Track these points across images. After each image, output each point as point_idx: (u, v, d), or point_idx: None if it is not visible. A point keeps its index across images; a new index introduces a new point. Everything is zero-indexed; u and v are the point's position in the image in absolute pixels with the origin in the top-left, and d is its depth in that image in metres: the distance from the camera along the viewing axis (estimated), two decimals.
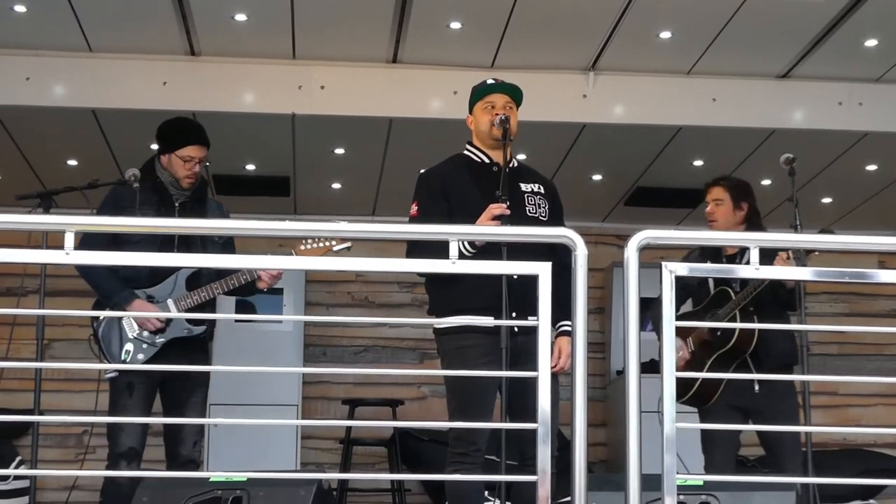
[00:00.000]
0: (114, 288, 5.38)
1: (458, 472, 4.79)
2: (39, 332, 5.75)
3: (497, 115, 5.02)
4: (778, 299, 5.66)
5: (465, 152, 5.21)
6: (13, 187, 6.57)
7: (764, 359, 5.70)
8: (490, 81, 5.16)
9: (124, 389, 5.33)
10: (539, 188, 5.14)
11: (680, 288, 5.97)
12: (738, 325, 5.76)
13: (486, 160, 5.12)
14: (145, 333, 5.38)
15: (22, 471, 8.54)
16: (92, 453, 9.39)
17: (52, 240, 5.08)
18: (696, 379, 5.78)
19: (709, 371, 5.78)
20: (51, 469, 9.26)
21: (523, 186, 5.08)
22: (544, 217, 5.07)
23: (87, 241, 5.15)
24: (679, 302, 6.01)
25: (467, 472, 4.76)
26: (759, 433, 5.86)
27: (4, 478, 8.45)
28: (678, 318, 5.96)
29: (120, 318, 5.39)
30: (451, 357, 4.99)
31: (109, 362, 5.38)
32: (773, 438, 5.69)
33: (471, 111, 5.21)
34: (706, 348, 5.87)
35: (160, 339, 5.38)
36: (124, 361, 5.31)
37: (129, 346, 5.38)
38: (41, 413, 6.10)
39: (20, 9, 6.89)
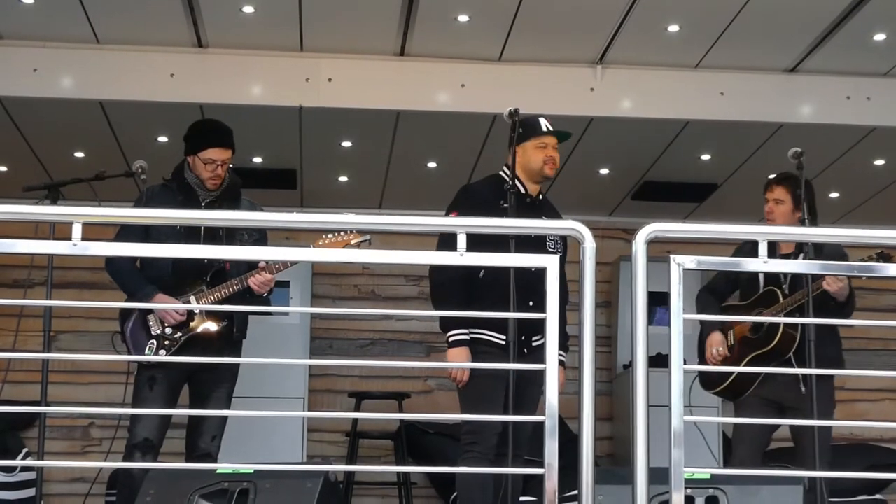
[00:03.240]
0: (137, 285, 5.49)
1: (467, 460, 4.92)
2: (46, 323, 5.77)
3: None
4: (826, 310, 5.62)
5: (505, 177, 5.36)
6: (20, 179, 6.58)
7: (808, 361, 5.67)
8: (544, 125, 5.38)
9: (145, 383, 5.46)
10: None
11: (731, 280, 6.05)
12: (749, 318, 5.78)
13: (522, 190, 5.36)
14: (168, 331, 5.45)
15: (28, 462, 8.56)
16: (97, 445, 9.45)
17: (59, 231, 5.10)
18: (732, 373, 5.83)
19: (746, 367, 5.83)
20: (57, 461, 9.26)
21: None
22: (560, 253, 5.26)
23: (121, 238, 5.27)
24: (727, 293, 6.06)
25: (475, 462, 4.88)
26: (792, 427, 5.86)
27: (11, 469, 8.46)
28: (724, 308, 6.02)
29: (144, 317, 5.45)
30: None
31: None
32: (805, 433, 5.68)
33: (518, 143, 5.36)
34: (747, 346, 5.91)
35: (179, 335, 5.45)
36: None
37: (152, 343, 5.45)
38: (47, 405, 6.10)
39: (28, 0, 6.88)
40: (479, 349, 5.18)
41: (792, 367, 5.69)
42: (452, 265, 4.88)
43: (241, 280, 5.48)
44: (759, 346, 5.83)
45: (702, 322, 6.09)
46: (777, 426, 5.99)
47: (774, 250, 5.82)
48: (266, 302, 5.71)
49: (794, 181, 5.87)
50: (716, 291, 6.18)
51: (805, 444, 5.69)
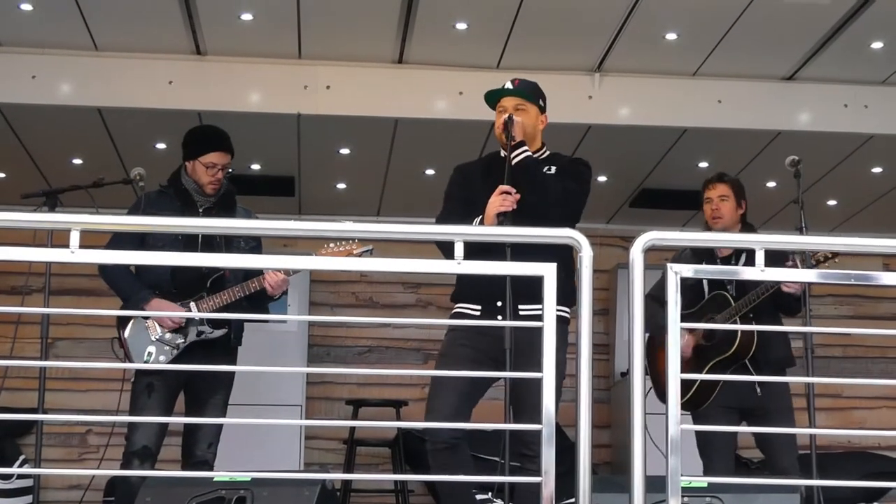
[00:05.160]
0: (133, 289, 5.44)
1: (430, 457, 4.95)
2: (44, 330, 5.75)
3: (503, 116, 5.03)
4: (781, 305, 5.62)
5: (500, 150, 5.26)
6: (18, 186, 6.57)
7: (763, 363, 5.67)
8: (507, 86, 5.18)
9: (143, 390, 5.40)
10: (550, 169, 5.14)
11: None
12: (742, 326, 5.73)
13: (502, 155, 5.15)
14: (167, 336, 5.42)
15: (25, 469, 8.55)
16: (95, 452, 9.44)
17: (57, 238, 5.10)
18: (693, 383, 5.72)
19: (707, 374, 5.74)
20: (54, 468, 9.25)
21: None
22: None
23: (116, 244, 5.23)
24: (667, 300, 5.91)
25: (434, 457, 4.87)
26: (755, 434, 5.83)
27: (8, 476, 8.46)
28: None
29: (144, 322, 5.43)
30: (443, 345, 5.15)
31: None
32: (767, 437, 5.67)
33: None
34: (704, 353, 5.80)
35: (180, 341, 5.43)
36: (146, 363, 5.38)
37: (151, 349, 5.43)
38: (45, 412, 6.10)
39: (26, 7, 6.89)
40: (453, 331, 5.06)
41: (749, 371, 5.65)
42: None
43: (242, 287, 5.46)
44: (718, 352, 5.76)
45: (652, 327, 5.92)
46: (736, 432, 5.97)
47: (714, 255, 5.79)
48: (265, 309, 5.69)
49: (733, 179, 5.97)
50: (658, 299, 6.07)
51: (773, 450, 5.69)
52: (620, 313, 9.71)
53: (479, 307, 4.95)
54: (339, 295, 10.02)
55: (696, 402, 5.77)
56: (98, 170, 6.67)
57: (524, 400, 4.64)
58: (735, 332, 5.65)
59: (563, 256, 4.40)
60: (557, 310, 3.70)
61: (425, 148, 8.34)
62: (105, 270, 5.52)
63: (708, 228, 5.98)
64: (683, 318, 5.76)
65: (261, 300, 5.57)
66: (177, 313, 5.39)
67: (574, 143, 8.22)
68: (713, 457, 5.77)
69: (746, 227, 5.96)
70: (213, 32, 7.30)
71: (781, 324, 5.72)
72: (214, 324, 5.50)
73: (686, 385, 5.71)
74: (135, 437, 5.35)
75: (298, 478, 5.02)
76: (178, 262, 4.98)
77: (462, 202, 5.04)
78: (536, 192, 4.95)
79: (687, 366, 5.81)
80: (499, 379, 4.94)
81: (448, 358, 5.01)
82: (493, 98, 5.17)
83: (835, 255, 5.31)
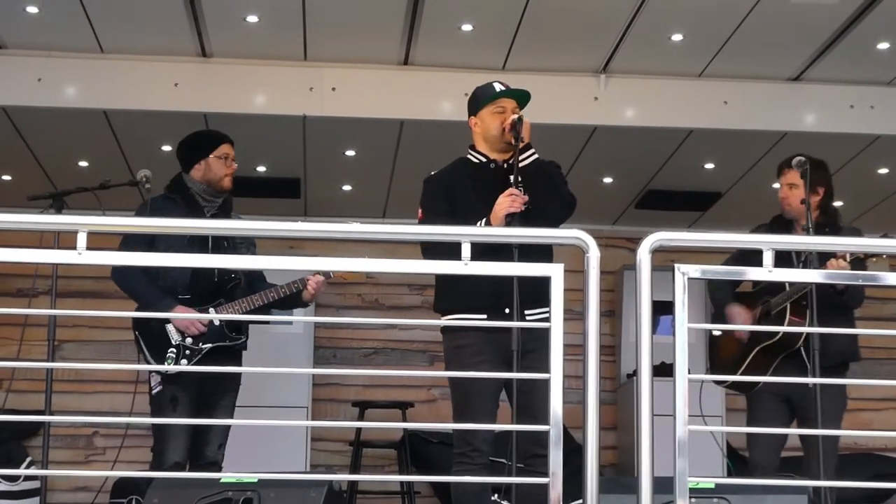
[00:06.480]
0: (155, 297, 5.40)
1: (459, 472, 4.77)
2: (51, 332, 5.75)
3: (511, 117, 4.97)
4: (828, 300, 5.52)
5: (467, 156, 5.16)
6: (25, 188, 6.58)
7: (820, 354, 5.59)
8: (498, 87, 5.07)
9: (168, 402, 5.37)
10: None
11: (744, 263, 5.93)
12: (747, 327, 5.74)
13: (484, 160, 5.08)
14: (188, 340, 5.40)
15: (32, 471, 8.56)
16: (101, 454, 9.45)
17: (63, 240, 5.09)
18: (738, 365, 5.78)
19: (754, 360, 5.76)
20: (60, 470, 9.26)
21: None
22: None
23: (126, 247, 5.20)
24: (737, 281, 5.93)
25: (468, 473, 4.74)
26: (800, 425, 5.79)
27: (15, 478, 8.47)
28: (736, 294, 5.93)
29: (164, 326, 5.42)
30: (448, 358, 5.01)
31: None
32: (812, 437, 5.61)
33: (474, 113, 5.09)
34: (753, 338, 5.81)
35: (205, 346, 5.41)
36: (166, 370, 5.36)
37: (171, 353, 5.40)
38: (51, 414, 6.10)
39: (32, 10, 6.90)
40: (461, 341, 4.93)
41: (803, 362, 5.55)
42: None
43: (261, 296, 5.45)
44: (766, 338, 5.75)
45: (714, 302, 6.01)
46: (790, 420, 5.88)
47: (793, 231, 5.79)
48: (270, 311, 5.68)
49: (805, 164, 5.75)
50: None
51: (811, 446, 5.64)
52: (626, 315, 9.71)
53: (484, 316, 4.83)
54: (345, 296, 10.02)
55: (747, 384, 5.79)
56: (104, 172, 6.68)
57: (538, 401, 4.60)
58: (783, 319, 5.64)
59: (550, 254, 4.42)
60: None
61: (431, 149, 8.32)
62: (119, 276, 5.47)
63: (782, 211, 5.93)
64: (746, 297, 5.86)
65: (291, 306, 5.59)
66: (190, 315, 5.37)
67: (580, 144, 8.23)
68: (755, 450, 5.79)
69: (826, 213, 5.86)
70: (218, 34, 7.30)
71: (841, 318, 5.60)
72: (236, 332, 5.51)
73: (732, 368, 5.85)
74: (168, 455, 5.32)
75: (305, 479, 5.03)
76: (182, 264, 4.96)
77: (449, 215, 4.89)
78: (551, 194, 4.93)
79: (740, 345, 5.85)
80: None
81: (475, 377, 4.81)
82: (495, 96, 5.04)
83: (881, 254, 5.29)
